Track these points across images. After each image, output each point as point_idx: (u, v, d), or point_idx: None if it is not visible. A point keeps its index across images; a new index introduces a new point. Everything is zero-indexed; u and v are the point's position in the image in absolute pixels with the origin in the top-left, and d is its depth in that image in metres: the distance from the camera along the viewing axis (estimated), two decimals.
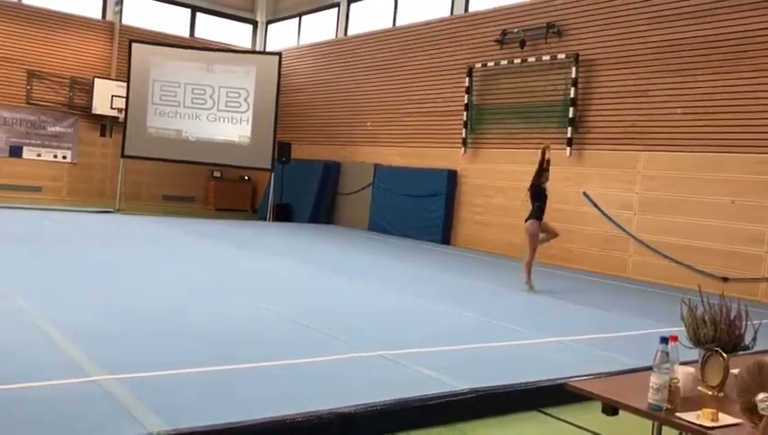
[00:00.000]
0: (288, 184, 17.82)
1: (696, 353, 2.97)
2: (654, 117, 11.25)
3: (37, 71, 18.04)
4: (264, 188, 19.03)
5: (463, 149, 14.39)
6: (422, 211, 14.97)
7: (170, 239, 11.80)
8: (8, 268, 7.34)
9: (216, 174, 20.44)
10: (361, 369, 4.56)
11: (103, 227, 12.76)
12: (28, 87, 17.98)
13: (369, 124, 17.16)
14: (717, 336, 2.85)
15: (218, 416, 3.38)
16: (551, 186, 9.13)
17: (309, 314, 6.12)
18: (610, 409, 2.67)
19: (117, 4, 19.15)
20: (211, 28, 21.01)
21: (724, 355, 2.76)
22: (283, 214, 17.75)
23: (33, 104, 18.06)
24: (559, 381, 4.42)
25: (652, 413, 2.49)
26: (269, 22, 21.70)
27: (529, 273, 8.82)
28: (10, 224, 11.99)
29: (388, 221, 15.80)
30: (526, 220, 8.83)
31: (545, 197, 8.80)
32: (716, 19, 10.51)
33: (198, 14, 20.84)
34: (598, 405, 2.74)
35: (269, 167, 17.36)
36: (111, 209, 16.46)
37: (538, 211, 8.70)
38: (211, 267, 8.96)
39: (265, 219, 17.55)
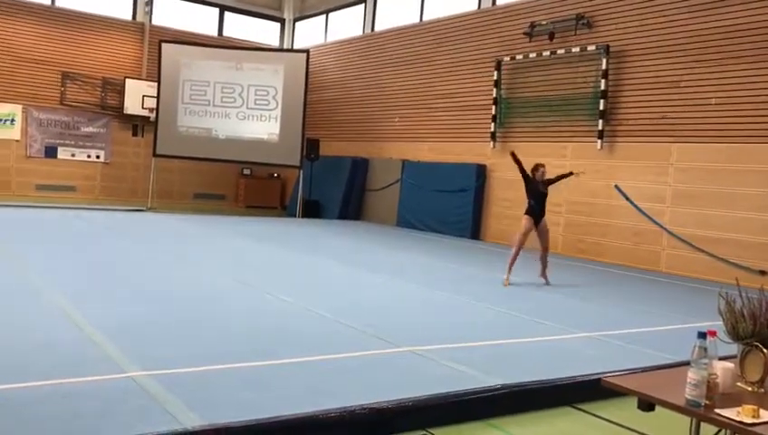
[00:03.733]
0: (317, 181, 17.89)
1: (734, 348, 2.91)
2: (686, 108, 11.05)
3: (70, 72, 18.37)
4: (293, 185, 19.14)
5: (492, 143, 14.29)
6: (451, 206, 14.91)
7: (202, 237, 11.94)
8: (46, 266, 7.49)
9: (246, 172, 20.62)
10: (393, 365, 4.56)
11: (136, 226, 12.95)
12: (62, 89, 18.32)
13: (396, 120, 17.14)
14: (757, 331, 2.78)
15: (253, 411, 3.41)
16: (573, 182, 9.08)
17: (340, 310, 6.14)
18: (646, 404, 2.63)
19: (147, 4, 19.39)
20: (239, 27, 21.17)
21: (765, 350, 2.71)
22: (313, 210, 17.84)
23: (66, 105, 18.40)
24: (592, 377, 4.38)
25: (690, 409, 2.45)
26: (296, 19, 21.79)
27: (510, 266, 8.58)
28: (46, 223, 12.24)
29: (417, 217, 15.77)
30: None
31: (541, 196, 8.62)
32: (749, 8, 10.27)
33: (227, 14, 21.01)
34: (632, 401, 2.70)
35: (298, 164, 17.45)
36: (143, 208, 16.70)
37: (529, 208, 8.62)
38: (243, 264, 9.04)
39: (295, 216, 17.66)
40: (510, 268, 8.57)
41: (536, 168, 8.68)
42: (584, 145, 12.47)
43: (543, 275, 8.72)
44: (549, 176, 8.81)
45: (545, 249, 8.73)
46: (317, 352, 4.70)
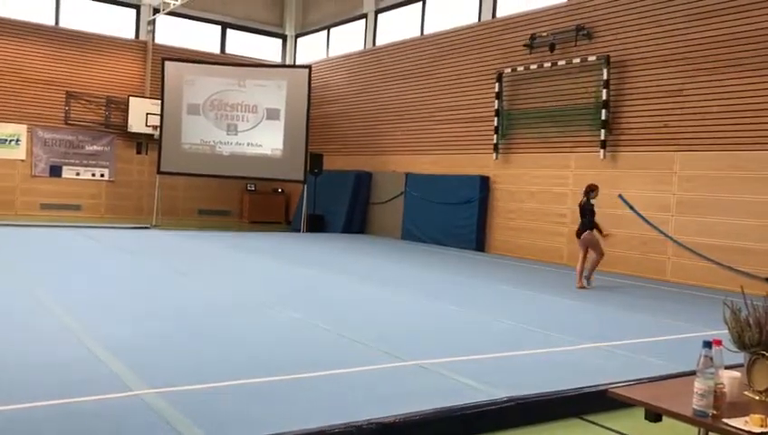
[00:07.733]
0: (321, 195, 17.93)
1: (741, 357, 2.90)
2: (689, 116, 11.06)
3: (75, 92, 18.50)
4: (298, 200, 19.18)
5: (494, 154, 14.32)
6: (455, 218, 14.92)
7: (207, 253, 11.95)
8: (52, 285, 7.51)
9: (250, 187, 20.67)
10: (400, 379, 4.56)
11: (141, 243, 12.97)
12: (66, 108, 18.44)
13: (399, 133, 17.19)
14: (763, 339, 2.78)
15: (259, 427, 3.41)
16: (577, 193, 9.79)
17: (346, 324, 6.14)
18: (654, 415, 2.63)
19: (149, 23, 19.54)
20: (241, 44, 21.32)
21: None
22: (317, 225, 17.86)
23: (71, 124, 18.52)
24: (599, 388, 4.36)
25: (698, 420, 2.44)
26: (298, 35, 21.92)
27: (580, 274, 9.66)
28: (52, 242, 12.27)
29: (422, 229, 15.78)
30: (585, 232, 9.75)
31: (591, 213, 9.71)
32: (748, 16, 10.31)
33: (229, 31, 21.16)
34: (640, 411, 2.69)
35: (302, 178, 17.50)
36: (149, 225, 16.74)
37: (588, 224, 9.69)
38: (249, 280, 9.05)
39: (299, 231, 17.68)
40: (591, 273, 9.75)
41: (586, 193, 9.84)
42: (587, 155, 12.48)
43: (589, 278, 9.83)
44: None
45: (600, 255, 9.84)
46: (323, 366, 4.69)
